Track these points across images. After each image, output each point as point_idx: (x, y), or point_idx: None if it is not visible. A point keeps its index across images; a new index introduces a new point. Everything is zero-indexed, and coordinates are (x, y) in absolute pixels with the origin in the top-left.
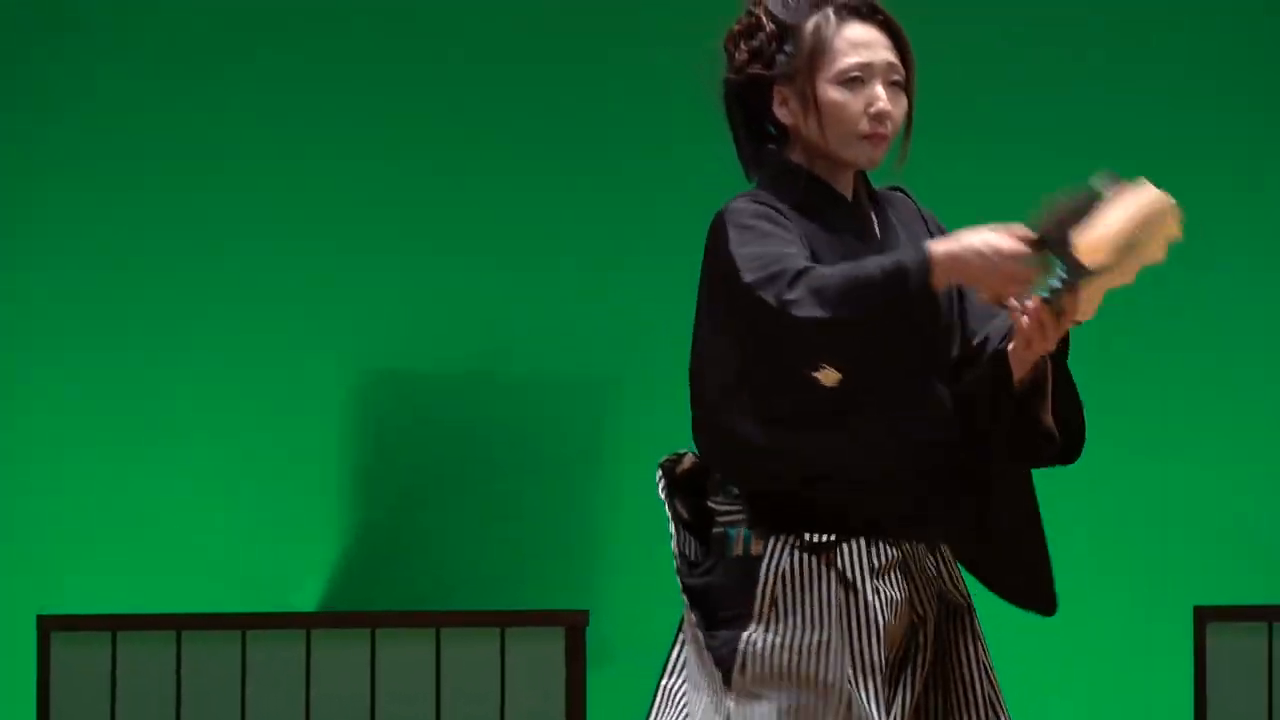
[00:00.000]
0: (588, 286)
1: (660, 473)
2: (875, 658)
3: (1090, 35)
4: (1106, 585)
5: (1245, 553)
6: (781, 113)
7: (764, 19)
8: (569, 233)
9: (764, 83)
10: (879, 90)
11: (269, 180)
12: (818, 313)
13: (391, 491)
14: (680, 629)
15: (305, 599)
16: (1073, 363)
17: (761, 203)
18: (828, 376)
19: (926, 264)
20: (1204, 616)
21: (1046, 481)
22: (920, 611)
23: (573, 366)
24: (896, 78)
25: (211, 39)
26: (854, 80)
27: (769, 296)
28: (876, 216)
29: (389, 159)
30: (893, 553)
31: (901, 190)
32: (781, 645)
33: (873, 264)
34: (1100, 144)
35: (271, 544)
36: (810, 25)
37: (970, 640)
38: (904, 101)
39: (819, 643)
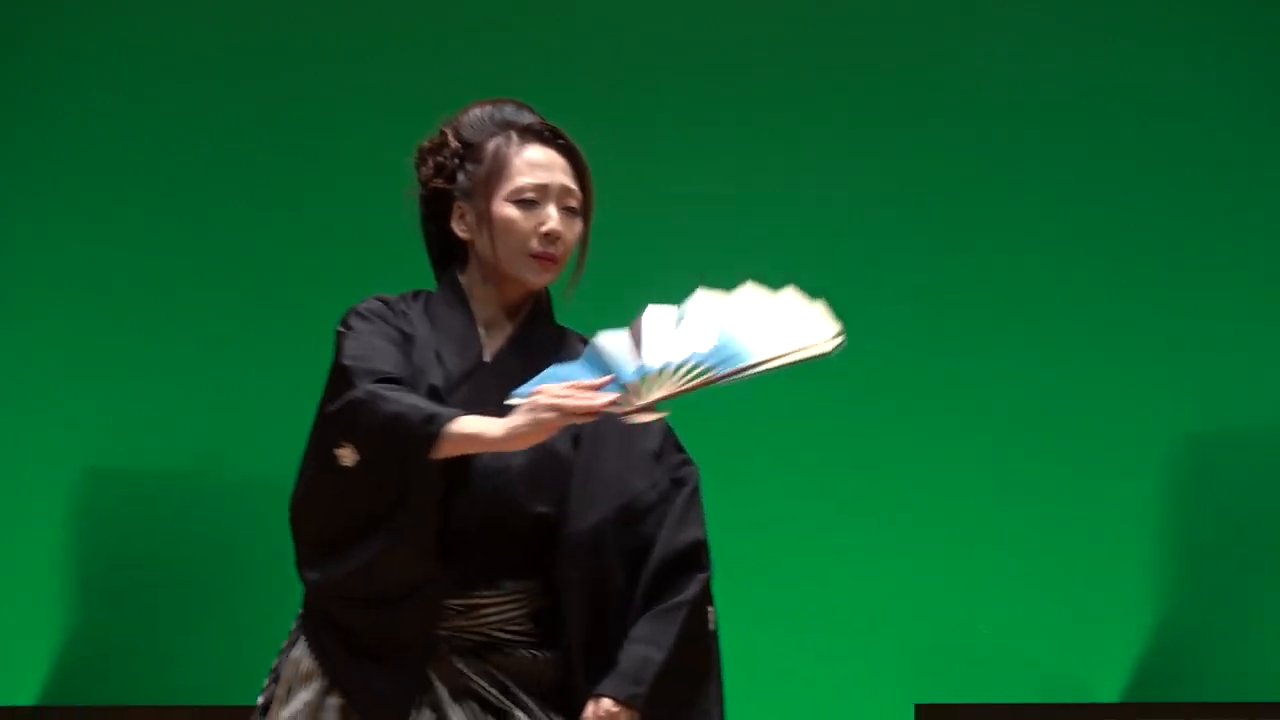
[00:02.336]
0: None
1: None
2: None
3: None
4: (828, 683)
5: (964, 650)
6: (459, 227)
7: (450, 137)
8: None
9: (446, 197)
10: (551, 211)
11: None
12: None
13: (99, 589)
14: None
15: (22, 694)
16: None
17: (387, 304)
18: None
19: (435, 434)
20: (925, 715)
21: (777, 577)
22: None
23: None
24: (572, 203)
25: None
26: (528, 201)
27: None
28: (510, 355)
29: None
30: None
31: (583, 339)
32: None
33: (420, 409)
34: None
35: None
36: (492, 145)
37: None
38: (578, 226)
39: None
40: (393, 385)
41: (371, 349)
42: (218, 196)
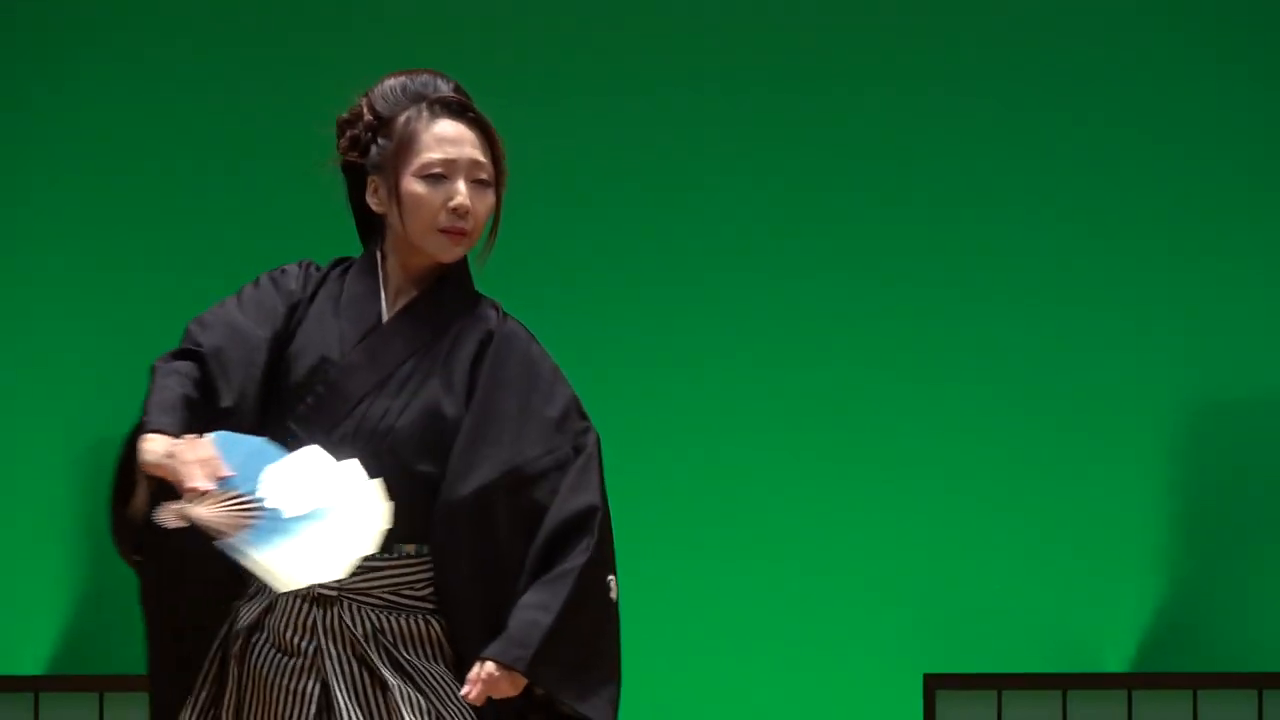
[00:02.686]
0: None
1: None
2: None
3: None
4: (837, 653)
5: (974, 620)
6: (372, 200)
7: (365, 109)
8: None
9: (362, 171)
10: (460, 186)
11: None
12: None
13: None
14: None
15: (33, 662)
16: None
17: (303, 270)
18: None
19: (132, 435)
20: (933, 684)
21: (777, 553)
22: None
23: None
24: (483, 176)
25: None
26: (436, 176)
27: None
28: (408, 319)
29: None
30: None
31: (495, 306)
32: None
33: (168, 394)
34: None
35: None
36: (402, 119)
37: None
38: (489, 199)
39: None
40: (187, 363)
41: (222, 317)
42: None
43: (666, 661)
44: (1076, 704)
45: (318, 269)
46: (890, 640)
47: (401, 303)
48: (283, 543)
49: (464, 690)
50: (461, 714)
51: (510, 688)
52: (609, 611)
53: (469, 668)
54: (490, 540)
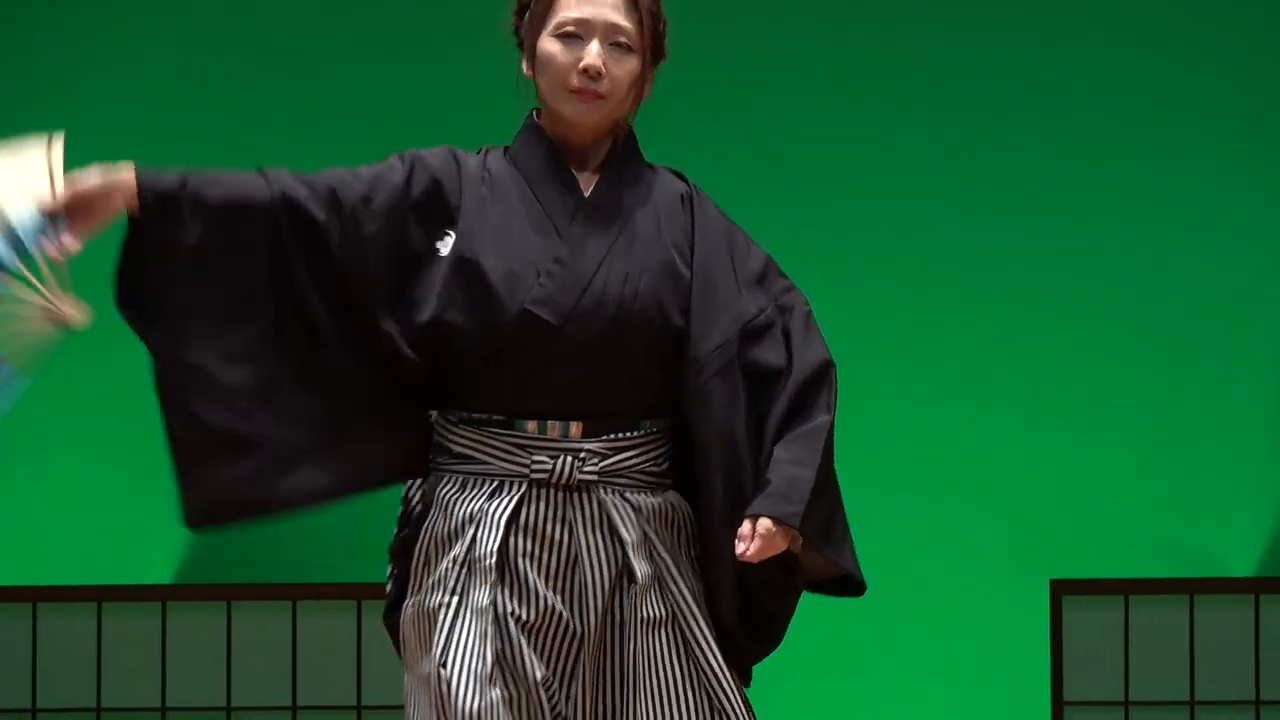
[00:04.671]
0: None
1: None
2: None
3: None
4: (963, 560)
5: (1101, 526)
6: (524, 66)
7: None
8: None
9: (521, 37)
10: (593, 47)
11: None
12: None
13: None
14: None
15: (161, 572)
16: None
17: (454, 155)
18: None
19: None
20: (1060, 590)
21: (902, 462)
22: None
23: None
24: (622, 39)
25: None
26: (569, 35)
27: None
28: (608, 188)
29: None
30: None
31: (678, 174)
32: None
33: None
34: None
35: (125, 518)
36: None
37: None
38: (629, 64)
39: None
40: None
41: (354, 173)
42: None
43: None
44: (1203, 609)
45: (463, 154)
46: (1017, 548)
47: (588, 173)
48: None
49: (739, 549)
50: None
51: (784, 542)
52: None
53: (709, 539)
54: (732, 396)
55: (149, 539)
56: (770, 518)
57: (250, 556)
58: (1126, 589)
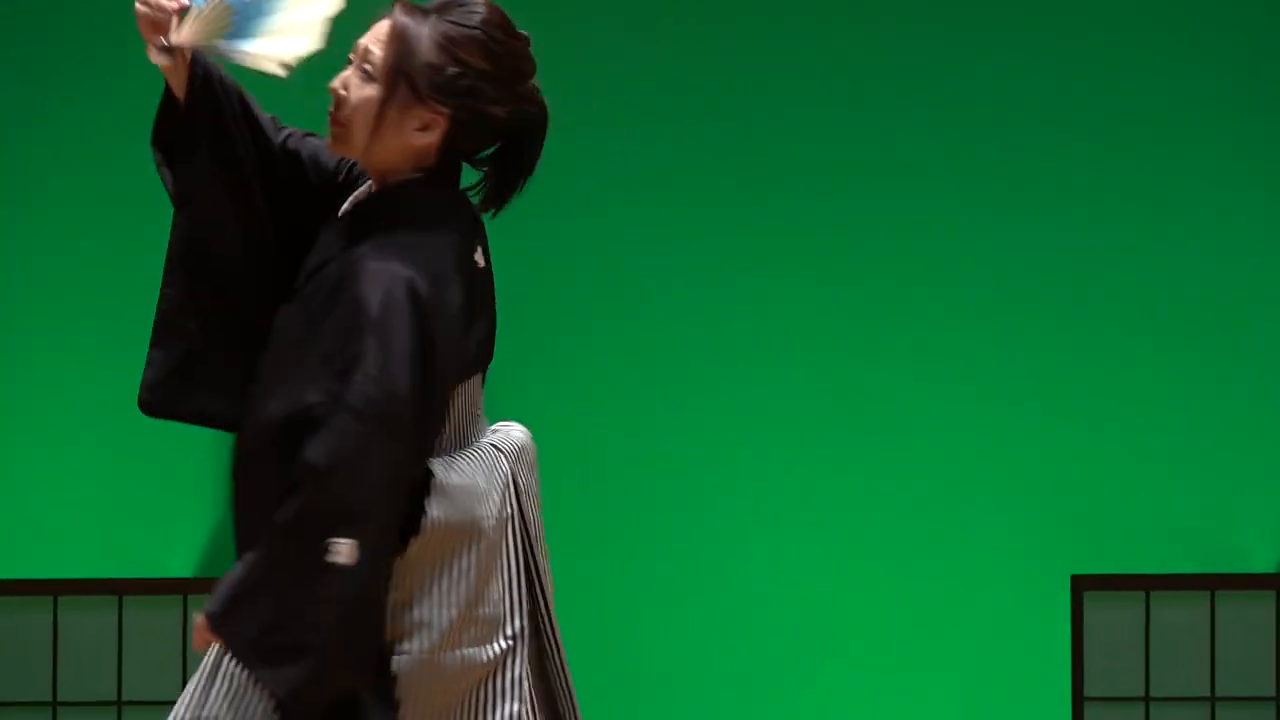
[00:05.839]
0: None
1: None
2: None
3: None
4: (984, 557)
5: (1122, 522)
6: None
7: None
8: None
9: None
10: (345, 71)
11: None
12: None
13: None
14: None
15: (182, 565)
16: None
17: None
18: None
19: None
20: (1081, 585)
21: (921, 461)
22: None
23: None
24: (367, 66)
25: None
26: (348, 63)
27: None
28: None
29: None
30: None
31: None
32: None
33: None
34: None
35: (146, 510)
36: None
37: None
38: (367, 91)
39: None
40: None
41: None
42: None
43: (815, 566)
44: (1225, 605)
45: None
46: (1038, 544)
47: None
48: (262, 29)
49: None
50: None
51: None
52: (326, 574)
53: None
54: (262, 480)
55: (170, 532)
56: (202, 612)
57: None
58: (1148, 585)
